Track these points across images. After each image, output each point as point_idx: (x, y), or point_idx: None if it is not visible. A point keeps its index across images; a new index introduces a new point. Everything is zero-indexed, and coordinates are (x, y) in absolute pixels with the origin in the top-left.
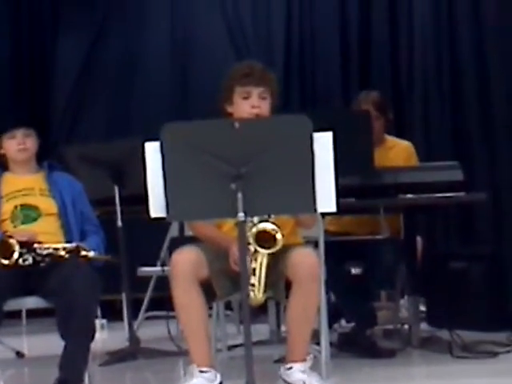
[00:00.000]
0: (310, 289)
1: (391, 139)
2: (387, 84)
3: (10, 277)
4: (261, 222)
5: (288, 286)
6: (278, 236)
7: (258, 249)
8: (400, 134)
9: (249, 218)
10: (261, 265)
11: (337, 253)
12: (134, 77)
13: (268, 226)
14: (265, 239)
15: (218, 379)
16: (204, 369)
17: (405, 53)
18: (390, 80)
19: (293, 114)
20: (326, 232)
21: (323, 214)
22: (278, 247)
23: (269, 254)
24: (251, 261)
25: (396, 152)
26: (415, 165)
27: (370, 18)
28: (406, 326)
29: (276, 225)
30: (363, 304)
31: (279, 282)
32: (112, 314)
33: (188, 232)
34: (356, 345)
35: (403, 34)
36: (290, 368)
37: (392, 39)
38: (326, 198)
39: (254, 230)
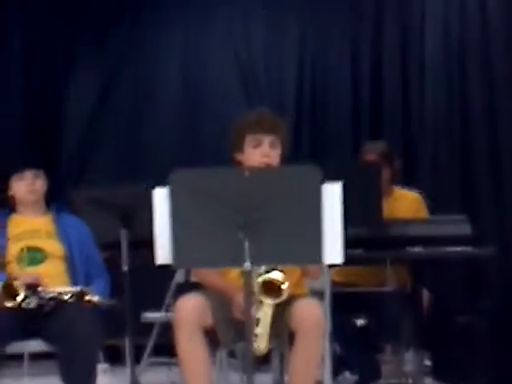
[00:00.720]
0: (314, 341)
1: (398, 190)
2: (398, 134)
3: (12, 319)
4: (267, 271)
5: (291, 336)
6: (284, 286)
7: (264, 299)
8: (409, 184)
9: (255, 267)
10: (265, 315)
11: (342, 304)
12: (144, 121)
13: (274, 276)
14: (270, 289)
15: None
16: None
17: (416, 103)
18: (401, 131)
19: (302, 163)
20: (332, 283)
21: (330, 266)
22: (283, 298)
23: (274, 305)
24: (255, 311)
25: (403, 203)
26: (423, 217)
27: (381, 69)
28: (411, 381)
29: (282, 272)
30: (367, 356)
31: (283, 332)
32: (115, 358)
33: (194, 278)
34: None
35: (414, 85)
36: None
37: (403, 90)
38: (333, 250)
39: (260, 279)
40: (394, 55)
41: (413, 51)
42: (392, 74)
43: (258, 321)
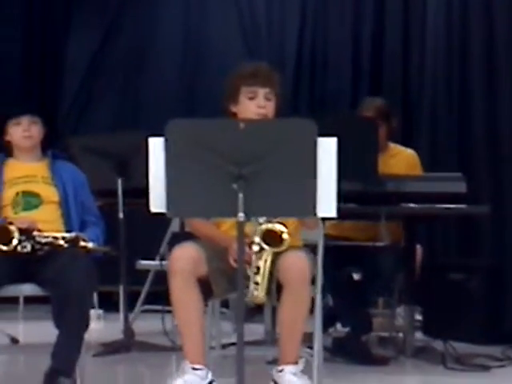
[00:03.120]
0: (300, 292)
1: (394, 146)
2: (397, 91)
3: (7, 263)
4: (268, 221)
5: (279, 289)
6: (285, 236)
7: (265, 246)
8: (406, 142)
9: (254, 218)
10: (265, 263)
11: (336, 257)
12: (144, 73)
13: (276, 226)
14: (271, 238)
15: (210, 377)
16: (196, 366)
17: (416, 60)
18: (401, 87)
19: (300, 117)
20: (327, 236)
21: (324, 219)
22: (284, 247)
23: (273, 254)
24: (256, 259)
25: (399, 160)
26: (419, 174)
27: (383, 26)
28: (401, 335)
29: (284, 225)
30: (360, 310)
31: (272, 284)
32: (109, 305)
33: (188, 228)
34: (350, 350)
35: (415, 43)
36: (282, 370)
37: (404, 47)
38: (327, 203)
39: (263, 227)
40: (395, 13)
41: (415, 10)
42: (393, 32)
43: (257, 269)
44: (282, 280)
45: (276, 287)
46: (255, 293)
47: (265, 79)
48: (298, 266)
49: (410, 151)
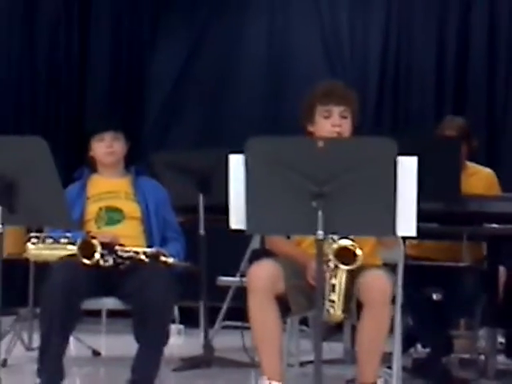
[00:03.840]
0: (381, 312)
1: (472, 166)
2: (482, 110)
3: (89, 276)
4: (341, 238)
5: (360, 307)
6: (358, 252)
7: (339, 264)
8: (491, 161)
9: (329, 236)
10: (340, 281)
11: (417, 277)
12: (228, 89)
13: (348, 243)
14: (345, 256)
15: None
16: (274, 382)
17: (501, 79)
18: (485, 106)
19: (382, 136)
20: (407, 256)
21: (404, 238)
22: (358, 263)
23: (348, 271)
24: (331, 277)
25: (477, 179)
26: (497, 194)
27: (468, 43)
28: (483, 357)
29: (353, 241)
30: (440, 331)
31: (351, 303)
32: (190, 320)
33: (267, 246)
34: (430, 371)
35: (500, 66)
36: None
37: (489, 65)
38: (407, 222)
39: (335, 246)
40: (481, 33)
41: (501, 31)
42: (478, 53)
43: (333, 287)
44: (362, 299)
45: (356, 306)
46: (331, 311)
47: (339, 97)
48: (379, 285)
49: (488, 170)
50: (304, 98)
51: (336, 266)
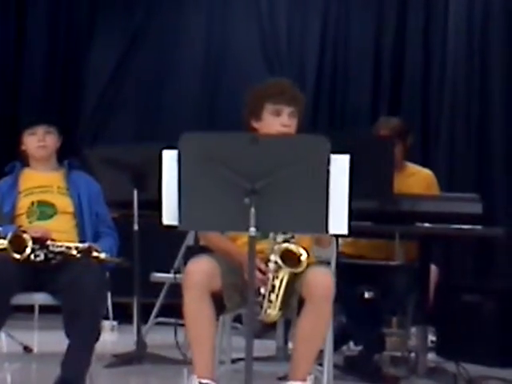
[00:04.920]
0: (323, 309)
1: (412, 166)
2: (417, 109)
3: (20, 271)
4: (287, 241)
5: (300, 303)
6: (303, 258)
7: (283, 265)
8: (424, 161)
9: (272, 235)
10: (281, 282)
11: (350, 275)
12: (164, 86)
13: (296, 248)
14: (289, 258)
15: None
16: (204, 381)
17: (436, 78)
18: (420, 105)
19: (315, 134)
20: (342, 254)
21: (338, 236)
22: (301, 269)
23: (290, 274)
24: (273, 278)
25: (416, 180)
26: (435, 194)
27: (404, 43)
28: (414, 355)
29: (304, 249)
30: (373, 329)
31: (292, 299)
32: (124, 316)
33: (202, 242)
34: (361, 369)
35: (435, 61)
36: None
37: (425, 66)
38: (339, 221)
39: (283, 246)
40: (416, 31)
41: (435, 28)
42: (413, 52)
43: (273, 287)
44: (305, 295)
45: (297, 302)
46: (268, 311)
47: (291, 98)
48: (324, 283)
49: (427, 171)
50: (250, 94)
51: (279, 267)
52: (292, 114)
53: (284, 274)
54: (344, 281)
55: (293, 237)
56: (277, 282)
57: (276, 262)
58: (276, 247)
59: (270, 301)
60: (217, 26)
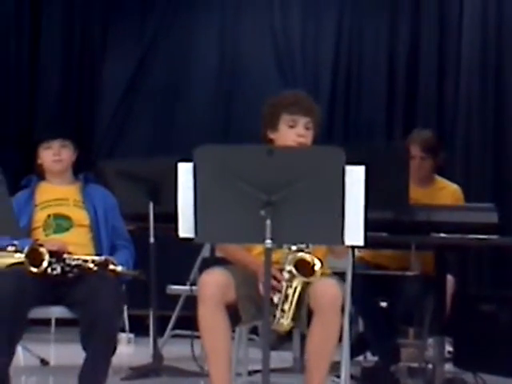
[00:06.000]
0: (331, 320)
1: (441, 180)
2: (432, 120)
3: (37, 285)
4: (299, 250)
5: (310, 315)
6: (317, 268)
7: (297, 274)
8: (441, 172)
9: (286, 245)
10: (294, 291)
11: (367, 285)
12: (178, 98)
13: (310, 257)
14: (303, 268)
15: None
16: None
17: (450, 93)
18: (435, 116)
19: (332, 145)
20: (361, 259)
21: (353, 247)
22: (315, 278)
23: (303, 283)
24: (286, 287)
25: (445, 194)
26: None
27: (417, 56)
28: (431, 366)
29: (318, 258)
30: (388, 339)
31: (302, 311)
32: (140, 329)
33: (218, 253)
34: (378, 380)
35: (450, 75)
36: None
37: (438, 79)
38: (355, 232)
39: (297, 256)
40: (430, 43)
41: (450, 40)
42: (428, 62)
43: (286, 297)
44: (313, 307)
45: (306, 314)
46: (281, 320)
47: (306, 108)
48: (330, 293)
49: (455, 186)
50: (267, 105)
51: (292, 276)
52: (308, 124)
53: (298, 284)
54: (361, 290)
55: (307, 246)
56: (290, 291)
57: (290, 271)
58: (290, 257)
59: (282, 310)
60: (230, 37)
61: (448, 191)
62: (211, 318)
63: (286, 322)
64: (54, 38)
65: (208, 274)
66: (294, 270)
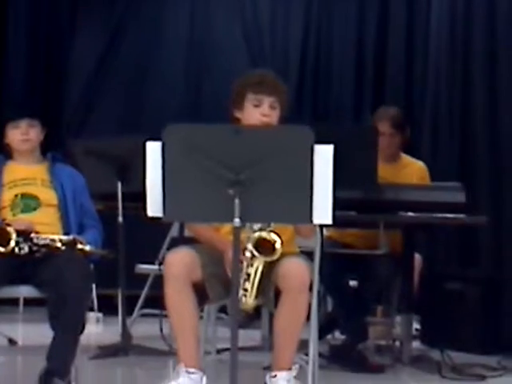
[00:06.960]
0: (299, 299)
1: (406, 158)
2: (400, 100)
3: (4, 264)
4: (261, 229)
5: (278, 294)
6: (278, 246)
7: (257, 254)
8: (408, 151)
9: (249, 224)
10: (256, 271)
11: (336, 264)
12: (148, 78)
13: (269, 235)
14: (264, 247)
15: (204, 381)
16: (191, 369)
17: (419, 70)
18: (403, 96)
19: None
20: (329, 238)
21: (323, 226)
22: (276, 257)
23: (265, 262)
24: (247, 266)
25: (409, 172)
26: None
27: (386, 35)
28: (398, 343)
29: (277, 235)
30: (356, 317)
31: (269, 290)
32: (109, 308)
33: (187, 233)
34: (346, 358)
35: (418, 53)
36: (275, 376)
37: (407, 56)
38: (323, 210)
39: (256, 235)
40: (399, 22)
41: (418, 23)
42: (396, 46)
43: (248, 276)
44: (280, 286)
45: (274, 293)
46: (243, 299)
47: (271, 88)
48: (298, 272)
49: (420, 164)
50: (234, 85)
51: (253, 256)
52: (273, 103)
53: (259, 263)
54: (330, 269)
55: (269, 225)
56: (251, 271)
57: (251, 251)
58: (251, 236)
59: (245, 289)
60: (199, 18)
61: (413, 168)
62: (178, 296)
63: (249, 300)
64: (20, 16)
65: (174, 253)
66: (254, 250)
